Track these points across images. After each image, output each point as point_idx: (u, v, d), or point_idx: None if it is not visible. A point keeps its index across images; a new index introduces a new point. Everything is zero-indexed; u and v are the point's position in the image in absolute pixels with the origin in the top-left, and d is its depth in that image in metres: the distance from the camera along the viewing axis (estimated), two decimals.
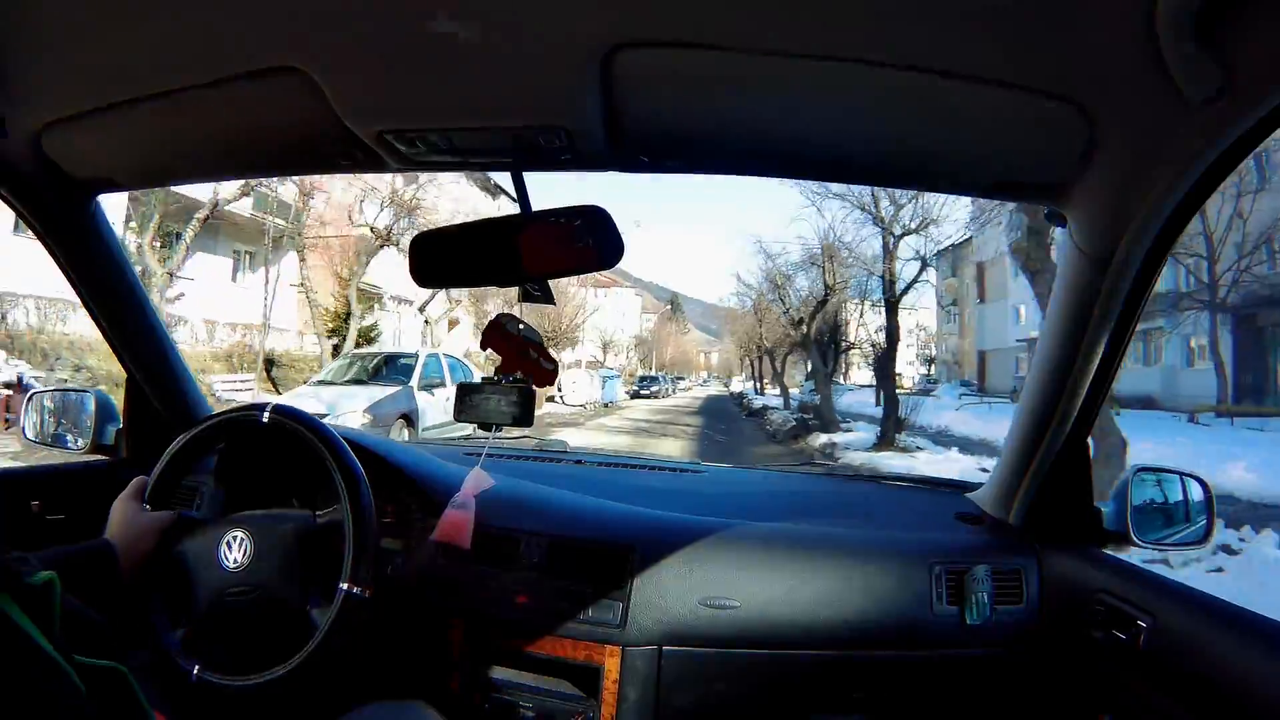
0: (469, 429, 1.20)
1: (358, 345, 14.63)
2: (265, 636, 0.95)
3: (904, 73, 0.64)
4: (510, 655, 1.08)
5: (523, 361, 0.97)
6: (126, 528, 0.91)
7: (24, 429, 1.34)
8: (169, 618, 0.96)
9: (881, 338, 12.65)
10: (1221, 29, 0.52)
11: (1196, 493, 1.10)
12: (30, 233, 1.04)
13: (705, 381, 70.10)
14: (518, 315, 1.00)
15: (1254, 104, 0.58)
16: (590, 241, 0.84)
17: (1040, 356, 1.01)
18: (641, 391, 32.97)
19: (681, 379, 54.54)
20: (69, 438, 1.33)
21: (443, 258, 0.92)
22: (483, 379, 0.98)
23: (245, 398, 12.04)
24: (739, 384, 51.05)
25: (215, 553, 0.95)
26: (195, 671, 0.91)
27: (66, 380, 9.71)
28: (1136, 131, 0.67)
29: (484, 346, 0.97)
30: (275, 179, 12.51)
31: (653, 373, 45.16)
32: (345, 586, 0.92)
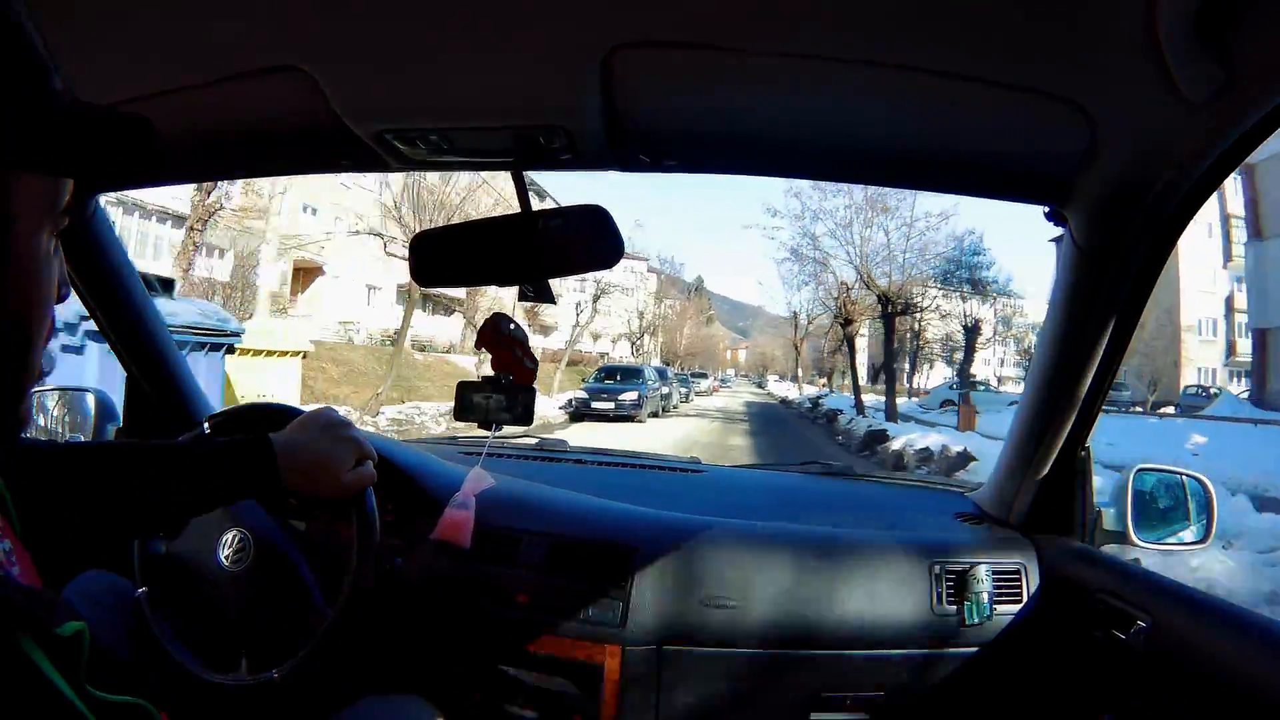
0: None
1: None
2: (271, 633, 0.95)
3: (904, 73, 0.64)
4: (510, 654, 1.08)
5: (509, 361, 0.97)
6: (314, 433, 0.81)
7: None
8: (177, 624, 0.96)
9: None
10: (1221, 29, 0.52)
11: (1197, 492, 1.10)
12: None
13: (727, 380, 54.48)
14: (509, 314, 0.99)
15: (1254, 104, 0.58)
16: (590, 241, 0.84)
17: (1040, 356, 1.02)
18: (594, 404, 15.04)
19: (704, 375, 39.26)
20: (68, 437, 1.33)
21: (442, 257, 0.92)
22: (483, 378, 0.98)
23: None
24: (778, 385, 40.75)
25: (215, 553, 0.95)
26: (213, 678, 0.91)
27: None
28: (1136, 131, 0.67)
29: (478, 346, 0.97)
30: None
31: (633, 364, 21.59)
32: (275, 673, 0.87)
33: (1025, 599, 1.07)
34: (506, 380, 0.97)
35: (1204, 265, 25.24)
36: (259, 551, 0.95)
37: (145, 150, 0.44)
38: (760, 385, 50.86)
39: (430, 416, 12.16)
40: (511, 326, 0.97)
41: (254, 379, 8.13)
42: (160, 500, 0.72)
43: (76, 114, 0.42)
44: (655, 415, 16.16)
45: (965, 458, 8.08)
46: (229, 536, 0.95)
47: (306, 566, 0.96)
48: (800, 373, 34.62)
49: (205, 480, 0.73)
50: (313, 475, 0.79)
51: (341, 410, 1.23)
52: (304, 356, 9.76)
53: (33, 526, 0.52)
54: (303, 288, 19.58)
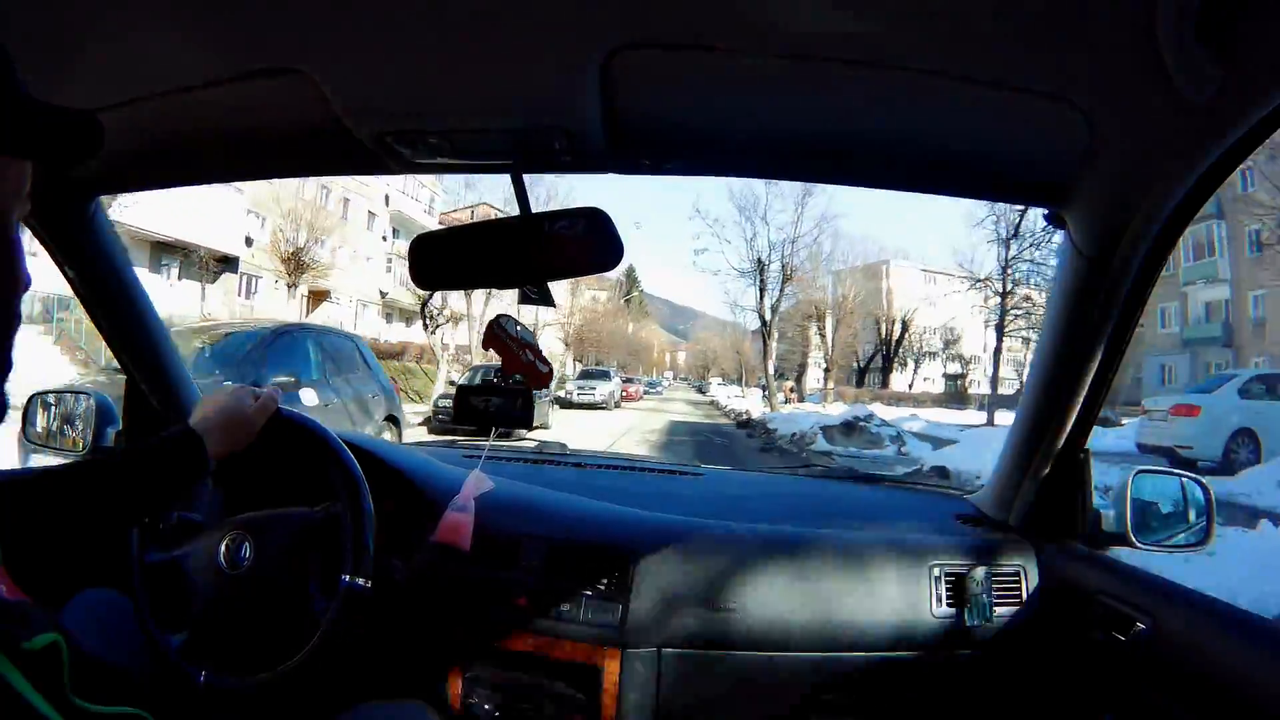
0: None
1: None
2: (270, 634, 0.95)
3: (904, 74, 0.64)
4: (510, 657, 1.08)
5: (520, 364, 0.97)
6: (220, 406, 0.89)
7: (24, 430, 1.34)
8: (169, 623, 0.96)
9: None
10: (1221, 29, 0.52)
11: (1196, 494, 1.10)
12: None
13: (657, 385, 42.21)
14: (515, 316, 1.00)
15: (1254, 104, 0.58)
16: (590, 243, 0.84)
17: (1040, 358, 1.02)
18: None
19: (604, 375, 22.35)
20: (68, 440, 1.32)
21: (442, 260, 0.92)
22: (483, 380, 0.98)
23: None
24: (723, 390, 30.89)
25: (216, 555, 0.95)
26: (202, 677, 0.91)
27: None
28: (1136, 131, 0.67)
29: (485, 347, 0.98)
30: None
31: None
32: (347, 579, 0.92)
33: (1025, 601, 1.07)
34: (511, 382, 0.97)
35: None
36: (258, 553, 0.94)
37: (96, 139, 0.48)
38: (701, 390, 40.36)
39: None
40: (518, 328, 0.97)
41: None
42: (117, 505, 0.78)
43: (35, 106, 0.44)
44: None
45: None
46: (228, 540, 0.95)
47: (305, 565, 0.96)
48: (769, 369, 20.66)
49: (149, 474, 0.81)
50: (227, 430, 0.87)
51: None
52: None
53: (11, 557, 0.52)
54: None
